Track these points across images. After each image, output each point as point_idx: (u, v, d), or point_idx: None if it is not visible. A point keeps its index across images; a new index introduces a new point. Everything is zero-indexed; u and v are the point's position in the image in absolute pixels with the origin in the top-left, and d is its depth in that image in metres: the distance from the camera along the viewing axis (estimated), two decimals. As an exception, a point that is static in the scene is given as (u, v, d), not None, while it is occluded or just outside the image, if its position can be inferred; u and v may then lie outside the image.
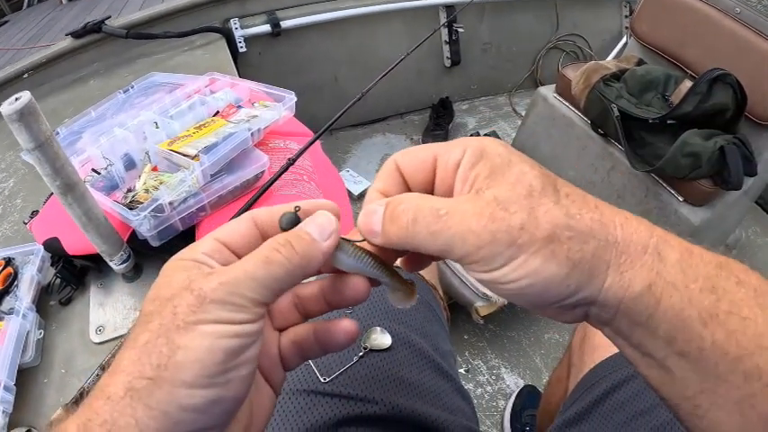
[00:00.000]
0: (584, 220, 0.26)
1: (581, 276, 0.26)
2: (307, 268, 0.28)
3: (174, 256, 0.29)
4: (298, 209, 0.30)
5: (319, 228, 0.29)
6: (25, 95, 0.54)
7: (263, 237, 0.30)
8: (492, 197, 0.27)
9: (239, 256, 0.29)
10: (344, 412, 0.49)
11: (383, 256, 0.32)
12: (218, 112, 0.96)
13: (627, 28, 1.90)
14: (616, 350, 0.48)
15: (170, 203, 0.76)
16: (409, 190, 0.32)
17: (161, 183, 0.79)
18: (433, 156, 0.30)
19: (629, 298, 0.26)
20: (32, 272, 0.82)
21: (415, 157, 0.31)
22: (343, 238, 0.31)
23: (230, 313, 0.25)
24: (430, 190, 0.31)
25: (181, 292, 0.26)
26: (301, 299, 0.34)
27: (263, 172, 0.87)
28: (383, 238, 0.29)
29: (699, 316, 0.25)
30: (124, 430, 0.24)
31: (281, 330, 0.34)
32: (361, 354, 0.53)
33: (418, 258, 0.34)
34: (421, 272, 0.68)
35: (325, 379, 0.51)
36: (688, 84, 1.26)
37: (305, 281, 0.31)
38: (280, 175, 0.83)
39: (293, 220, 0.30)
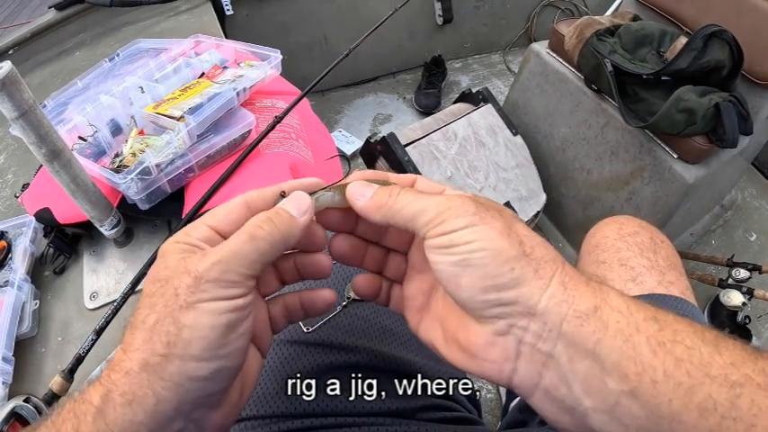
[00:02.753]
0: (541, 238, 0.30)
1: (526, 267, 0.28)
2: (287, 241, 0.32)
3: (169, 239, 0.32)
4: (283, 193, 0.34)
5: (296, 206, 0.33)
6: (6, 65, 0.54)
7: (253, 215, 0.33)
8: (471, 195, 0.32)
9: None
10: (328, 361, 0.50)
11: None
12: (203, 73, 0.95)
13: (624, -16, 1.85)
14: None
15: (157, 165, 0.75)
16: None
17: (147, 146, 0.78)
18: (442, 188, 0.35)
19: (573, 317, 0.27)
20: (25, 243, 0.83)
21: (431, 182, 0.36)
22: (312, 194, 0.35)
23: (225, 290, 0.29)
24: None
25: (179, 274, 0.29)
26: (279, 269, 0.38)
27: (249, 131, 0.86)
28: (370, 201, 0.33)
29: (648, 342, 0.25)
30: (142, 399, 0.27)
31: (265, 296, 0.38)
32: (344, 303, 0.53)
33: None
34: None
35: (308, 329, 0.52)
36: (683, 40, 1.23)
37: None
38: (267, 134, 0.83)
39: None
